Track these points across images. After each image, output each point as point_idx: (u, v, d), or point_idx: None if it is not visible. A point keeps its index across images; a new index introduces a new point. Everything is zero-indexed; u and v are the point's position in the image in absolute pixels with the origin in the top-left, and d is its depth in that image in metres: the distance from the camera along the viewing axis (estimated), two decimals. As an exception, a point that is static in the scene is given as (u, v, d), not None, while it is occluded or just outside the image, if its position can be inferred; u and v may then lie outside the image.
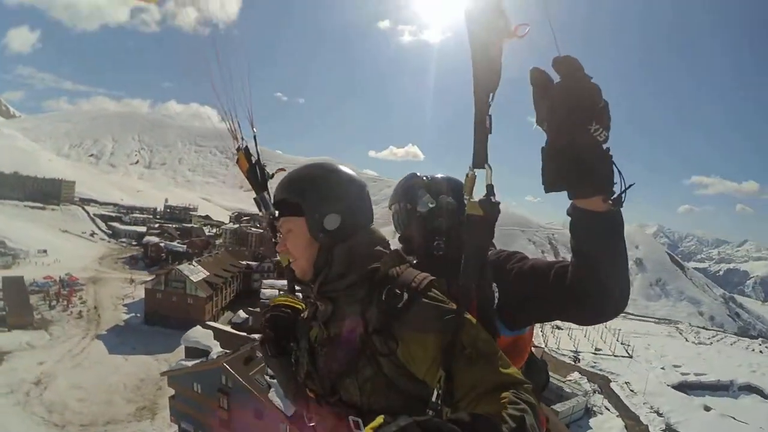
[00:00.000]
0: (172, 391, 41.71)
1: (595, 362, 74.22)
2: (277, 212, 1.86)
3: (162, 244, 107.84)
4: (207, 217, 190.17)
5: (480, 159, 1.58)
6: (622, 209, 1.46)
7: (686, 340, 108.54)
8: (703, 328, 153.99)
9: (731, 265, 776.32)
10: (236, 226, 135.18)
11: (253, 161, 3.06)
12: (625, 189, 1.42)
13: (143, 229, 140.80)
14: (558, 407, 51.56)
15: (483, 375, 1.40)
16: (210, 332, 42.39)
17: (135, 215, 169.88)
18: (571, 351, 77.27)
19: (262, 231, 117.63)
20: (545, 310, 1.92)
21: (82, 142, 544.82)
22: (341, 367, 1.71)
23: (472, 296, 1.63)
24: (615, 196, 1.43)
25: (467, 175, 1.62)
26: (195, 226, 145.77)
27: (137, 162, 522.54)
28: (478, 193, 1.61)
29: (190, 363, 38.55)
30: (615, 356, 78.09)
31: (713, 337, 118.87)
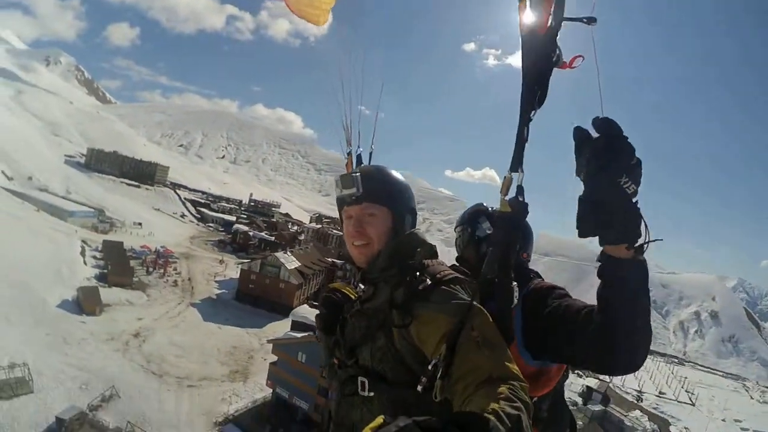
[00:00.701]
0: (263, 361, 45.78)
1: (657, 404, 75.04)
2: (367, 196, 2.00)
3: (251, 233, 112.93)
4: (287, 214, 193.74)
5: (516, 163, 1.78)
6: (646, 261, 1.60)
7: (751, 397, 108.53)
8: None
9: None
10: (318, 226, 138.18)
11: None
12: (648, 241, 1.56)
13: (230, 217, 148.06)
14: (617, 439, 53.71)
15: (484, 361, 1.46)
16: (317, 311, 43.67)
17: (222, 204, 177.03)
18: (635, 390, 78.36)
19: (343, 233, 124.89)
20: (567, 353, 1.94)
21: (174, 132, 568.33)
22: (361, 334, 1.92)
23: (490, 287, 1.85)
24: (638, 245, 1.56)
25: (504, 177, 1.81)
26: (279, 221, 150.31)
27: (223, 157, 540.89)
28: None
29: (298, 335, 41.45)
30: (678, 402, 79.41)
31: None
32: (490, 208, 2.71)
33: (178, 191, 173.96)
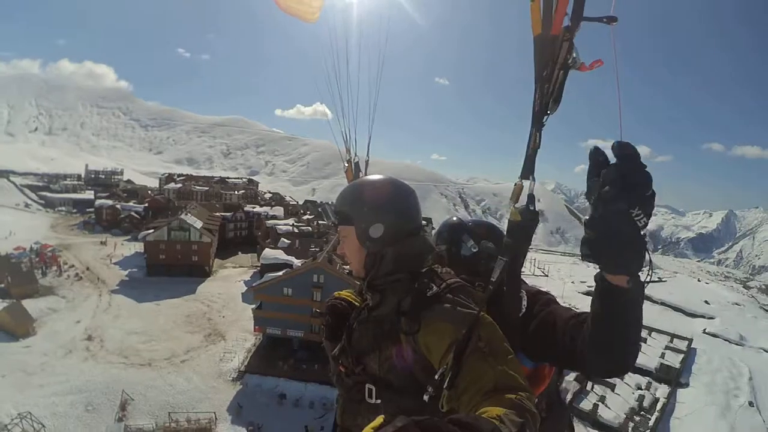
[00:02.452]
0: (222, 318, 51.20)
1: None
2: (337, 220, 2.11)
3: (118, 206, 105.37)
4: (130, 181, 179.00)
5: (527, 170, 1.76)
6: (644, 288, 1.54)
7: (587, 265, 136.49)
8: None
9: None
10: (179, 185, 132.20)
11: (360, 176, 3.21)
12: (650, 281, 1.54)
13: (78, 196, 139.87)
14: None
15: (491, 371, 1.44)
16: (280, 251, 51.83)
17: (64, 183, 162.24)
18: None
19: (207, 188, 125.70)
20: (558, 358, 2.05)
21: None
22: (368, 343, 1.95)
23: (497, 294, 1.86)
24: (640, 279, 1.50)
25: (515, 185, 1.81)
26: (138, 186, 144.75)
27: (36, 129, 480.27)
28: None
29: (279, 273, 45.18)
30: (534, 275, 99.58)
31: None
32: (469, 223, 2.69)
33: (11, 179, 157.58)
